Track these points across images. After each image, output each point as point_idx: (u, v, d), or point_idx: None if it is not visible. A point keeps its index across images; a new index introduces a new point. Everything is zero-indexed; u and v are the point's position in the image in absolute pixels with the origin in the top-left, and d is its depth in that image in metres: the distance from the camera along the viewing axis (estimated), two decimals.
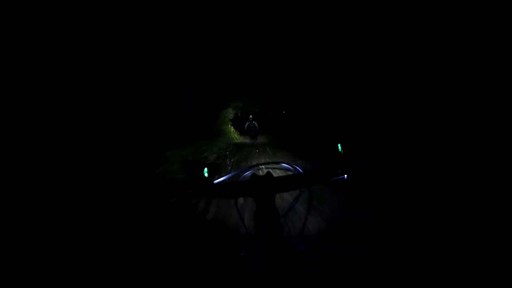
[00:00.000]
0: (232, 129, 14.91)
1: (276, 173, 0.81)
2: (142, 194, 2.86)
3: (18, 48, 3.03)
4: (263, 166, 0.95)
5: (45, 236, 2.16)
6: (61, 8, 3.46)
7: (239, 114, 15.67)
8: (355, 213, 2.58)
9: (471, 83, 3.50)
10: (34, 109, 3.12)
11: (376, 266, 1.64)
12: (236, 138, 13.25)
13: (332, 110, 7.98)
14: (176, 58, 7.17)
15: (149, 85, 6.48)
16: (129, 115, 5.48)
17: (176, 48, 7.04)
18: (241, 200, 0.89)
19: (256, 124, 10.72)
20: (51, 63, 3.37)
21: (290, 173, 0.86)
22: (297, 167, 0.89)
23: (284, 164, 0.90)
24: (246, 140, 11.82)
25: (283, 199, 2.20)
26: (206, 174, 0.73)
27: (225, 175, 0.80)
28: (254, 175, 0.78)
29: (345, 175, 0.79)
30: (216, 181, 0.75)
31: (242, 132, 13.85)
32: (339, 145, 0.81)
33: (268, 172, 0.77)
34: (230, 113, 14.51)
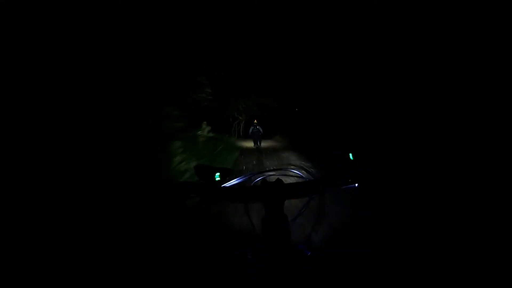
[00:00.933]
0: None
1: (287, 179, 0.81)
2: (152, 197, 2.86)
3: (18, 48, 3.07)
4: (273, 172, 0.95)
5: (45, 236, 2.18)
6: (61, 8, 3.51)
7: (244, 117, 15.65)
8: (365, 219, 2.55)
9: (483, 85, 3.47)
10: (35, 109, 3.17)
11: (384, 271, 1.63)
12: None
13: (343, 117, 7.97)
14: (179, 57, 7.25)
15: (155, 86, 6.56)
16: (136, 117, 5.53)
17: (180, 46, 7.11)
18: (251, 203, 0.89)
19: (261, 129, 10.72)
20: (51, 63, 3.41)
21: (300, 179, 0.86)
22: (308, 174, 0.89)
23: (294, 171, 0.90)
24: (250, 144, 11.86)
25: (292, 203, 2.20)
26: (217, 179, 0.73)
27: (236, 179, 0.81)
28: (264, 181, 0.78)
29: (356, 184, 0.79)
30: (226, 185, 0.75)
31: (246, 136, 13.88)
32: (350, 154, 0.80)
33: (278, 179, 0.77)
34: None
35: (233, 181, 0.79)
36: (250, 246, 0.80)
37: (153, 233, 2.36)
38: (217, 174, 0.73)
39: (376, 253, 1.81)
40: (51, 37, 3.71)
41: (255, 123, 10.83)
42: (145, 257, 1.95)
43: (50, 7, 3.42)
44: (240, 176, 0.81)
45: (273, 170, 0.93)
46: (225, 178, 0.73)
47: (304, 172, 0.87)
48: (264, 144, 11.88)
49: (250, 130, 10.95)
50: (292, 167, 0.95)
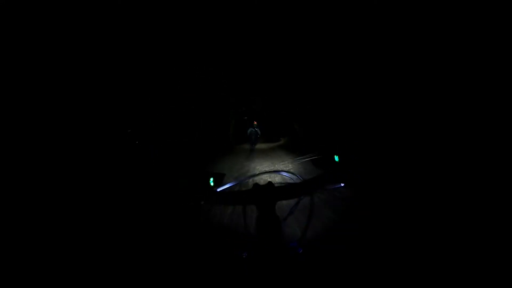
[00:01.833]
0: None
1: (277, 181, 0.86)
2: (150, 200, 2.92)
3: (18, 48, 3.07)
4: (265, 175, 1.00)
5: (46, 236, 2.21)
6: (61, 8, 3.51)
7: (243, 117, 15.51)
8: (353, 218, 2.60)
9: (470, 84, 3.51)
10: (37, 110, 3.18)
11: (373, 268, 1.66)
12: None
13: (330, 118, 8.02)
14: (181, 57, 7.25)
15: (156, 87, 6.58)
16: (135, 119, 5.56)
17: (182, 46, 7.11)
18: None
19: (259, 131, 10.76)
20: (51, 63, 3.40)
21: (290, 181, 0.91)
22: (297, 176, 0.94)
23: (284, 173, 0.95)
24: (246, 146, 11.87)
25: (284, 203, 2.25)
26: (211, 183, 0.78)
27: (229, 183, 0.86)
28: (256, 185, 0.84)
29: (342, 183, 0.84)
30: (220, 189, 0.81)
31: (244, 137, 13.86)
32: (335, 156, 0.86)
33: (269, 182, 0.82)
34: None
35: (227, 185, 0.85)
36: (245, 245, 0.85)
37: (151, 234, 2.40)
38: (211, 179, 0.78)
39: (372, 255, 1.85)
40: (51, 37, 3.72)
41: (255, 124, 10.85)
42: (143, 256, 1.99)
43: (50, 7, 3.42)
44: (233, 180, 0.86)
45: (264, 172, 0.99)
46: (218, 182, 0.78)
47: (293, 174, 0.93)
48: (264, 146, 11.91)
49: (248, 131, 10.97)
50: (281, 170, 1.00)
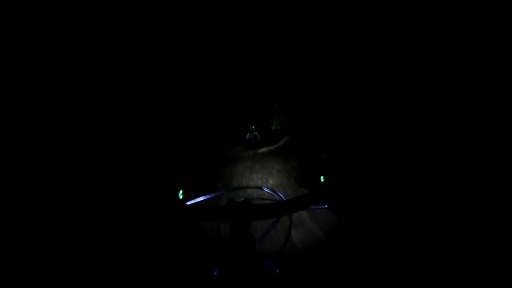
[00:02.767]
0: None
1: (254, 199, 0.79)
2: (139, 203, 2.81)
3: (18, 48, 3.05)
4: (240, 190, 0.93)
5: (46, 236, 2.15)
6: (61, 8, 3.49)
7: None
8: (335, 239, 2.50)
9: (466, 84, 3.47)
10: (38, 110, 3.14)
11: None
12: None
13: (330, 118, 7.95)
14: (181, 58, 7.23)
15: (155, 87, 6.54)
16: (133, 120, 5.51)
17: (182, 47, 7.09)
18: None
19: (258, 135, 10.69)
20: (52, 63, 3.39)
21: (269, 198, 0.84)
22: (278, 193, 0.87)
23: (264, 189, 0.88)
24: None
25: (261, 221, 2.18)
26: (180, 196, 0.71)
27: (201, 196, 0.78)
28: (230, 201, 0.76)
29: (326, 205, 0.78)
30: (190, 203, 0.73)
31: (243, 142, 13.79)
32: (321, 176, 0.79)
33: (246, 199, 0.75)
34: None
35: (199, 198, 0.77)
36: (218, 262, 0.78)
37: (119, 250, 2.30)
38: (180, 191, 0.71)
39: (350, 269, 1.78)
40: (51, 37, 3.70)
41: (253, 128, 10.79)
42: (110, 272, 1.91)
43: (50, 7, 3.41)
44: (207, 194, 0.79)
45: (242, 187, 0.91)
46: (189, 195, 0.71)
47: (275, 191, 0.86)
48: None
49: (247, 136, 10.90)
50: (261, 184, 0.93)
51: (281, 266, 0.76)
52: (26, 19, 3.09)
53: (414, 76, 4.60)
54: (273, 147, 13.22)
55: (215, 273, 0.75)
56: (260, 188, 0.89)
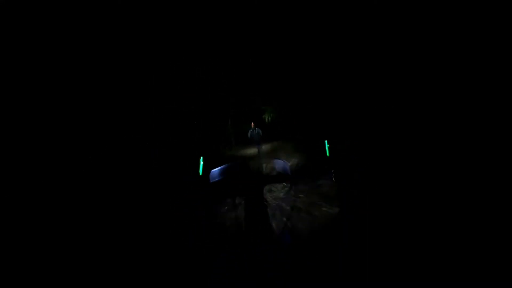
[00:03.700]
0: None
1: (266, 168, 0.86)
2: (149, 199, 2.90)
3: (18, 48, 3.10)
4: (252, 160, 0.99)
5: (46, 236, 2.22)
6: (61, 8, 3.54)
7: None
8: (345, 211, 2.59)
9: (465, 83, 3.51)
10: (38, 110, 3.19)
11: (358, 260, 1.66)
12: None
13: (329, 118, 8.00)
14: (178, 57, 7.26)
15: (154, 86, 6.60)
16: (133, 116, 5.57)
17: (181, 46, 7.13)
18: (236, 200, 0.93)
19: (260, 131, 10.76)
20: (52, 63, 3.43)
21: (278, 166, 0.91)
22: (285, 161, 0.94)
23: (275, 160, 0.95)
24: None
25: (272, 199, 2.27)
26: (201, 164, 0.79)
27: (218, 167, 0.86)
28: (242, 164, 0.84)
29: (331, 172, 0.85)
30: (212, 180, 0.81)
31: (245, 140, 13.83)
32: (326, 143, 0.86)
33: (258, 166, 0.83)
34: None
35: (217, 169, 0.85)
36: (237, 241, 0.85)
37: (145, 232, 2.39)
38: (201, 159, 0.79)
39: (358, 249, 1.85)
40: (51, 37, 3.75)
41: (253, 125, 10.85)
42: (133, 256, 1.98)
43: (50, 7, 3.46)
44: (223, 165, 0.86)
45: (250, 158, 0.98)
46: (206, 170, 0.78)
47: (282, 160, 0.93)
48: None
49: (249, 134, 10.97)
50: (270, 155, 0.99)
51: (293, 238, 0.83)
52: (26, 19, 3.15)
53: (414, 76, 4.63)
54: (275, 143, 13.28)
55: (217, 270, 0.81)
56: (271, 158, 0.96)
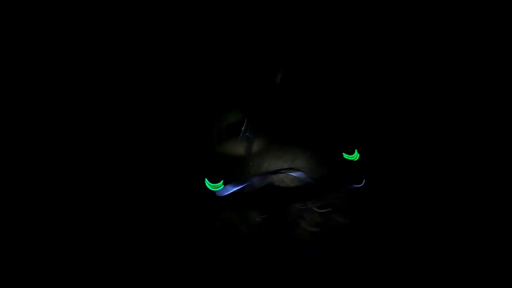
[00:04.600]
0: None
1: (285, 181, 0.79)
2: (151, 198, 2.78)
3: (18, 48, 2.94)
4: (273, 175, 0.93)
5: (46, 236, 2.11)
6: (61, 8, 3.39)
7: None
8: (366, 223, 2.49)
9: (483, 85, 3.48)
10: (38, 110, 3.04)
11: (383, 275, 1.63)
12: None
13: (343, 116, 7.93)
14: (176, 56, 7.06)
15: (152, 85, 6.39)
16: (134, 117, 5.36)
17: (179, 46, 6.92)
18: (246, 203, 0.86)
19: (252, 129, 10.66)
20: (52, 63, 3.28)
21: (300, 179, 0.85)
22: (309, 176, 0.88)
23: (295, 173, 0.88)
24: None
25: (291, 205, 2.19)
26: (221, 187, 0.71)
27: (238, 184, 0.79)
28: (266, 183, 0.77)
29: (362, 183, 0.79)
30: (228, 192, 0.74)
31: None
32: (356, 153, 0.80)
33: (278, 181, 0.76)
34: None
35: (235, 188, 0.78)
36: (239, 245, 0.79)
37: (149, 232, 2.29)
38: (221, 182, 0.71)
39: (373, 254, 1.82)
40: (51, 37, 3.54)
41: (246, 122, 10.75)
42: (139, 255, 1.91)
43: (50, 7, 3.28)
44: (239, 181, 0.79)
45: (273, 172, 0.91)
46: (226, 183, 0.71)
47: (306, 173, 0.86)
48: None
49: (240, 134, 10.82)
50: (291, 169, 0.92)
51: (312, 251, 0.77)
52: (26, 19, 2.96)
53: (413, 75, 4.62)
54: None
55: (238, 255, 0.76)
56: (291, 171, 0.89)
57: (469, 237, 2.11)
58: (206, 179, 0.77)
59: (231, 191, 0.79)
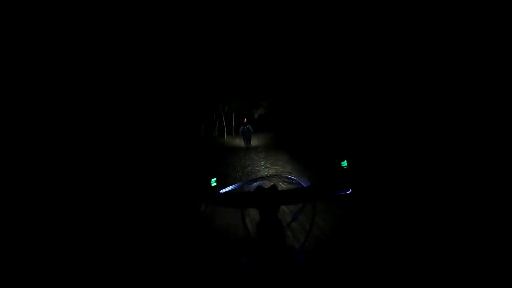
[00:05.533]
0: None
1: (281, 186, 0.82)
2: (151, 199, 2.79)
3: (18, 48, 2.93)
4: (268, 179, 0.96)
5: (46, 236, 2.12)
6: (61, 8, 3.38)
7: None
8: (358, 226, 2.54)
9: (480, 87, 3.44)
10: (37, 110, 3.04)
11: (376, 277, 1.65)
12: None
13: (337, 121, 7.98)
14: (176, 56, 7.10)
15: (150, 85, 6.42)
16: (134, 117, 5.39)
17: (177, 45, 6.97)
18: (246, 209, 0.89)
19: (251, 128, 10.76)
20: (51, 63, 3.27)
21: (294, 186, 0.87)
22: (302, 181, 0.90)
23: (289, 177, 0.91)
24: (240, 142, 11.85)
25: (287, 209, 2.21)
26: (214, 184, 0.73)
27: (232, 185, 0.81)
28: (259, 187, 0.79)
29: (350, 190, 0.81)
30: (223, 191, 0.76)
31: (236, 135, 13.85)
32: (345, 161, 0.82)
33: (273, 185, 0.78)
34: None
35: (230, 187, 0.80)
36: (245, 251, 0.80)
37: (149, 236, 2.31)
38: (214, 179, 0.73)
39: (368, 256, 1.84)
40: (51, 37, 3.52)
41: (245, 122, 10.83)
42: (147, 260, 1.93)
43: (50, 7, 3.26)
44: (236, 183, 0.81)
45: (269, 176, 0.94)
46: (221, 183, 0.74)
47: (299, 179, 0.89)
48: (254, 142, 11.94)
49: (240, 130, 10.96)
50: (287, 173, 0.95)
51: (305, 254, 0.79)
52: (26, 19, 2.96)
53: (413, 75, 4.63)
54: (267, 141, 13.33)
55: (243, 261, 0.77)
56: (286, 176, 0.92)
57: (461, 239, 2.14)
58: (212, 180, 0.79)
59: (225, 191, 0.81)
